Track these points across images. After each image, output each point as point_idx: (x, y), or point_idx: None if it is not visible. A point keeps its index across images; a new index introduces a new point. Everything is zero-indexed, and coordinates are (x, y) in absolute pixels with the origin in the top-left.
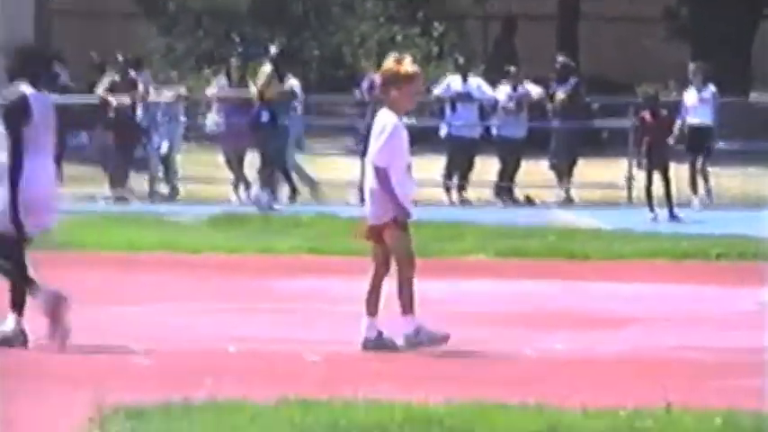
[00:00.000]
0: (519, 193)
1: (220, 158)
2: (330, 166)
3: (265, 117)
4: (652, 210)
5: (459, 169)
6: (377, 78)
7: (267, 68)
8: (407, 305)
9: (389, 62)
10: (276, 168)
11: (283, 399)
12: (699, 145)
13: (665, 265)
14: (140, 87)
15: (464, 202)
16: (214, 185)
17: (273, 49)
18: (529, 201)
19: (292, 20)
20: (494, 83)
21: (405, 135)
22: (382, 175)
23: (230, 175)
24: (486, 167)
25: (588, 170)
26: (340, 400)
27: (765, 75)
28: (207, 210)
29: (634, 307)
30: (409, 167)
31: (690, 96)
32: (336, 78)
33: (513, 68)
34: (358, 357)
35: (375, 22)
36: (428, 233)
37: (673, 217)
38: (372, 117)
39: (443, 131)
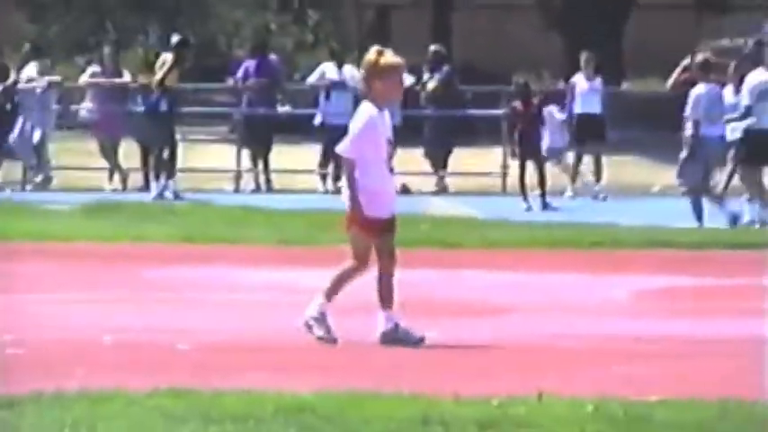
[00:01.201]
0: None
1: (94, 146)
2: (204, 154)
3: (164, 106)
4: (525, 199)
5: (334, 158)
6: (251, 66)
7: (168, 57)
8: (331, 294)
9: (371, 54)
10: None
11: (155, 388)
12: (588, 134)
13: (539, 254)
14: (12, 75)
15: (339, 190)
16: (88, 173)
17: (175, 38)
18: (404, 189)
19: (166, 7)
20: None
21: (384, 127)
22: (348, 166)
23: (105, 164)
24: None
25: (463, 159)
26: (211, 389)
27: (637, 65)
28: (81, 198)
29: (508, 295)
30: (390, 161)
31: (581, 85)
32: (210, 66)
33: None
34: (229, 347)
35: (249, 10)
36: (302, 222)
37: (546, 206)
38: (248, 104)
39: (318, 120)
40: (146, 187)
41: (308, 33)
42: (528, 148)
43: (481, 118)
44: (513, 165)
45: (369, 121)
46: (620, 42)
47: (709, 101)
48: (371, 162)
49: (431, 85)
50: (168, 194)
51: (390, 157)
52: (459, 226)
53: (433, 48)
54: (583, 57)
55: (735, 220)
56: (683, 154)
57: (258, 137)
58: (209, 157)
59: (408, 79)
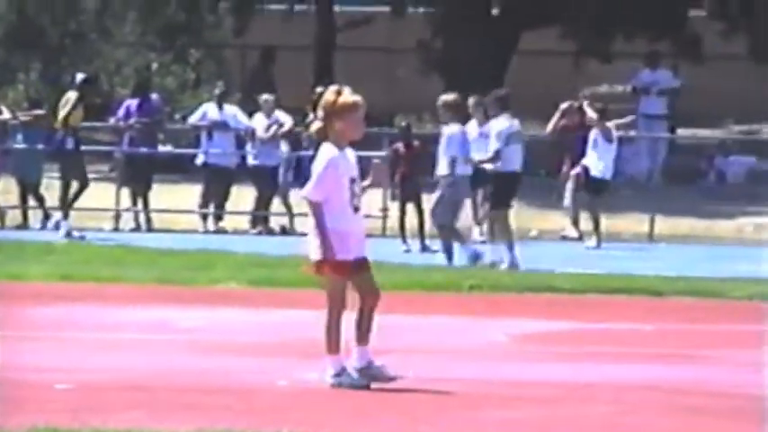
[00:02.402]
0: (274, 222)
1: None
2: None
3: (70, 144)
4: (405, 241)
5: (215, 198)
6: (133, 105)
7: (72, 95)
8: (333, 346)
9: (329, 94)
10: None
11: (33, 427)
12: (482, 179)
13: (417, 297)
14: None
15: (220, 230)
16: None
17: (80, 76)
18: (284, 231)
19: (49, 46)
20: (250, 112)
21: (347, 167)
22: (315, 210)
23: None
24: (243, 196)
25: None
26: (90, 428)
27: (517, 108)
28: None
29: (387, 337)
30: (358, 200)
31: (472, 131)
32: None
33: (268, 97)
34: (109, 386)
35: (131, 49)
36: (181, 262)
37: (425, 248)
38: (129, 143)
39: (200, 160)
40: (24, 225)
41: (191, 72)
42: (409, 190)
43: (363, 160)
44: (393, 207)
45: (330, 163)
46: (500, 84)
47: (463, 140)
48: (335, 204)
49: (313, 127)
50: (75, 233)
51: (355, 196)
52: None
53: (317, 89)
54: (470, 102)
55: (475, 258)
56: (438, 193)
57: (138, 175)
58: (88, 196)
59: (289, 122)
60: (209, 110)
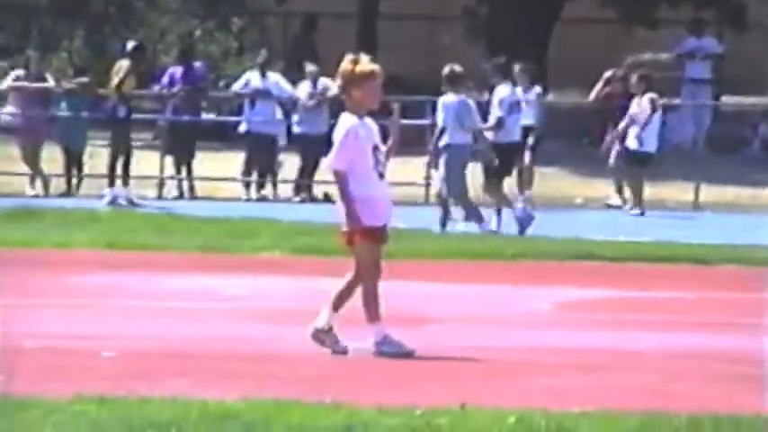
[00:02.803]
0: (317, 190)
1: (16, 151)
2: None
3: (122, 112)
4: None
5: (258, 166)
6: (177, 73)
7: (125, 63)
8: (374, 314)
9: (346, 63)
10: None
11: (78, 395)
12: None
13: (461, 265)
14: None
15: (263, 198)
16: (11, 179)
17: (131, 44)
18: (327, 198)
19: (93, 14)
20: (293, 81)
21: (369, 135)
22: (340, 179)
23: (27, 169)
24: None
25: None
26: (136, 396)
27: (561, 77)
28: (2, 203)
29: (431, 306)
30: (383, 167)
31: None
32: (143, 73)
33: (313, 68)
34: (154, 353)
35: (175, 17)
36: (225, 229)
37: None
38: (173, 111)
39: (242, 128)
40: (68, 192)
41: (233, 40)
42: None
43: (407, 128)
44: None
45: (350, 131)
46: (544, 54)
47: (460, 109)
48: (360, 171)
49: None
50: (122, 201)
51: (379, 163)
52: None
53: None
54: (516, 69)
55: (529, 220)
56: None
57: (182, 143)
58: (133, 163)
59: (335, 88)
60: (252, 78)
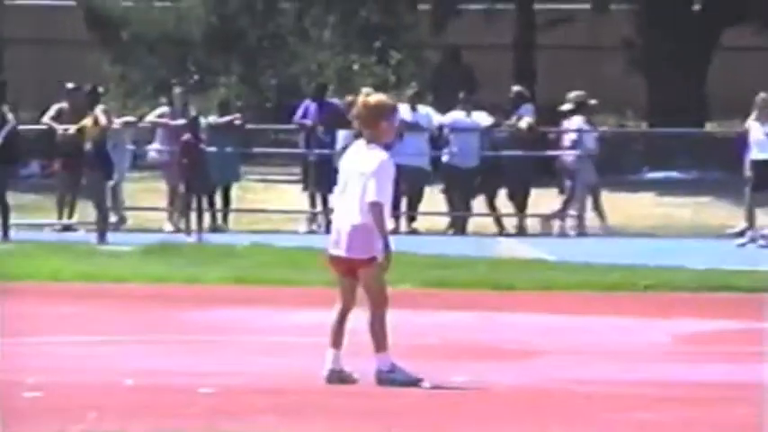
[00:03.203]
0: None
1: (164, 187)
2: (275, 195)
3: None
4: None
5: (408, 198)
6: (312, 107)
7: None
8: (381, 342)
9: (377, 96)
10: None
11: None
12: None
13: (594, 297)
14: (101, 117)
15: (413, 231)
16: (159, 214)
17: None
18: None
19: (248, 48)
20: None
21: (393, 171)
22: (378, 211)
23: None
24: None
25: (543, 200)
26: None
27: (721, 105)
28: (146, 238)
29: (548, 339)
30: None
31: (755, 131)
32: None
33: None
34: (250, 390)
35: (332, 51)
36: None
37: None
38: (308, 145)
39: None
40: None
41: (391, 74)
42: None
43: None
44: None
45: (390, 165)
46: (703, 83)
47: None
48: (386, 206)
49: (524, 123)
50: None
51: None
52: (515, 268)
53: (515, 88)
54: (757, 100)
55: None
56: None
57: (320, 177)
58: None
59: (488, 119)
60: (402, 111)
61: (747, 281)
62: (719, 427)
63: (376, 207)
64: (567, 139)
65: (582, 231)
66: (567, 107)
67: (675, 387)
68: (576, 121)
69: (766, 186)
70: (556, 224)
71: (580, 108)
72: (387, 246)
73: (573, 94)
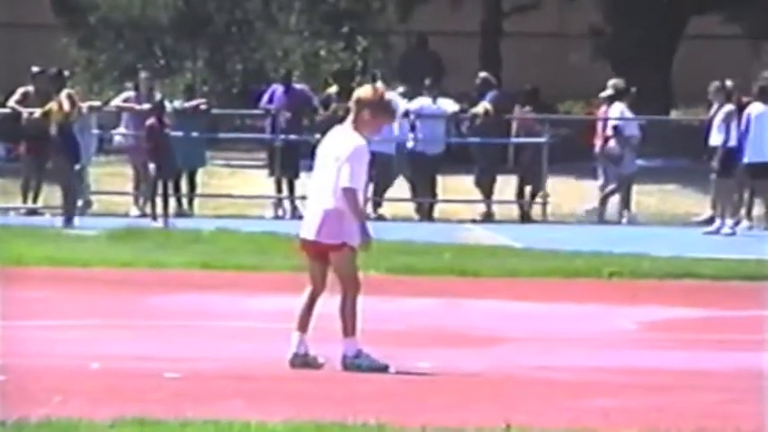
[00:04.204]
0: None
1: (130, 171)
2: (241, 180)
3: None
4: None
5: (375, 185)
6: (278, 91)
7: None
8: (350, 327)
9: (375, 88)
10: None
11: (120, 417)
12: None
13: (558, 284)
14: (64, 102)
15: (380, 218)
16: (126, 198)
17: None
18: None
19: (215, 33)
20: (411, 97)
21: (368, 158)
22: (354, 196)
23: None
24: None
25: (509, 186)
26: (181, 418)
27: (686, 93)
28: (112, 223)
29: (512, 325)
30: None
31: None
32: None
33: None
34: (215, 375)
35: (299, 37)
36: None
37: None
38: (273, 130)
39: None
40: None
41: (358, 59)
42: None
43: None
44: (554, 192)
45: (364, 152)
46: (669, 71)
47: None
48: (359, 192)
49: (480, 108)
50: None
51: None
52: (481, 254)
53: (481, 75)
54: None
55: None
56: None
57: (286, 163)
58: (247, 183)
59: (453, 106)
60: (395, 99)
61: (712, 269)
62: (684, 415)
63: (349, 192)
64: (609, 126)
65: (633, 219)
66: (606, 94)
67: (640, 374)
68: (618, 108)
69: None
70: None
71: (620, 95)
72: (365, 232)
73: (612, 81)
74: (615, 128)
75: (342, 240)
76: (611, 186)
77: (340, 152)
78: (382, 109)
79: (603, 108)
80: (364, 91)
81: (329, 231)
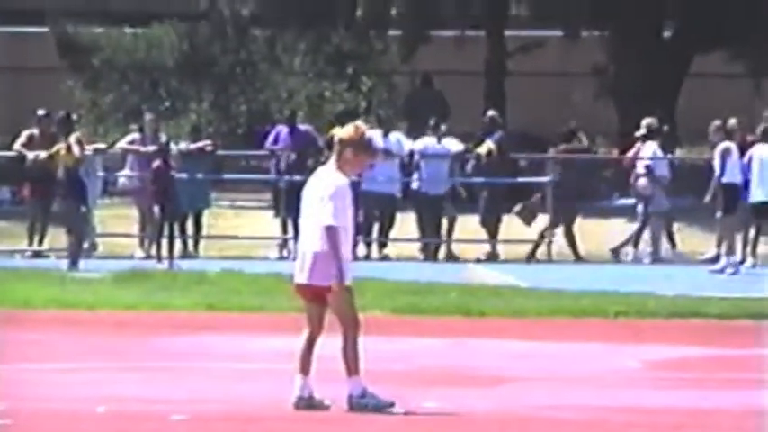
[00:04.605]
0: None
1: (135, 213)
2: (246, 221)
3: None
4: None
5: (381, 223)
6: (283, 132)
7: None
8: (353, 366)
9: (360, 128)
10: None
11: None
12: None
13: (564, 323)
14: (74, 147)
15: (384, 258)
16: (131, 241)
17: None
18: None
19: (220, 75)
20: (416, 136)
21: (350, 196)
22: (333, 235)
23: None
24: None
25: (514, 226)
26: None
27: (690, 132)
28: (118, 265)
29: (518, 365)
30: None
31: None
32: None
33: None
34: (222, 417)
35: (304, 78)
36: None
37: None
38: (278, 171)
39: (363, 187)
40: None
41: (362, 100)
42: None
43: (532, 185)
44: (558, 232)
45: (346, 191)
46: (673, 110)
47: None
48: (342, 231)
49: (484, 149)
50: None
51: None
52: (489, 294)
53: (489, 113)
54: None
55: None
56: None
57: (292, 204)
58: (253, 224)
59: (458, 146)
60: (374, 137)
61: (718, 308)
62: None
63: (330, 231)
64: (640, 165)
65: (657, 257)
66: (640, 133)
67: (646, 413)
68: (651, 148)
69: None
70: (624, 252)
71: (653, 134)
72: (340, 274)
73: (646, 121)
74: (647, 167)
75: (334, 280)
76: (638, 225)
77: (323, 192)
78: (363, 147)
79: (637, 147)
80: (345, 131)
81: (321, 273)
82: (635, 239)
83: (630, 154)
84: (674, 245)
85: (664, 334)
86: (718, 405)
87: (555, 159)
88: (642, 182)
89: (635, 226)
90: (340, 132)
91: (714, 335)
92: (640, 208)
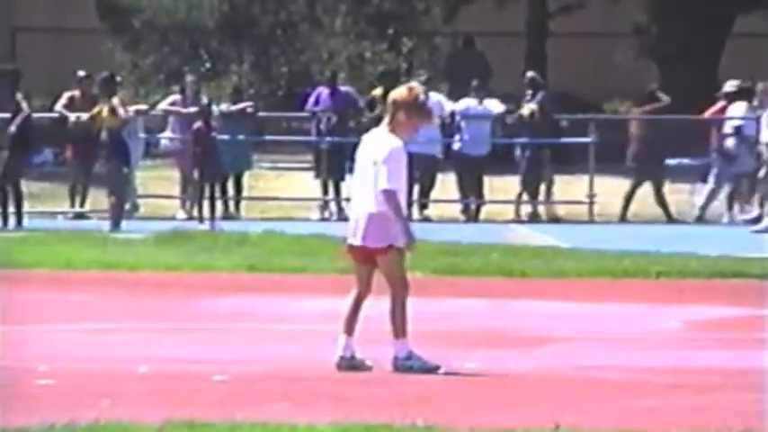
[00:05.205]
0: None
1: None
2: (287, 183)
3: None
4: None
5: (420, 186)
6: (324, 94)
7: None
8: (400, 329)
9: (415, 89)
10: None
11: (168, 420)
12: None
13: (605, 284)
14: (119, 109)
15: (425, 219)
16: (173, 202)
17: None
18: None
19: (260, 36)
20: (457, 97)
21: (405, 159)
22: (393, 198)
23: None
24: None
25: (556, 187)
26: (229, 421)
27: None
28: (159, 226)
29: (559, 325)
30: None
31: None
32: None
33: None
34: (264, 377)
35: (344, 39)
36: None
37: None
38: (319, 132)
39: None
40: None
41: (402, 61)
42: None
43: (575, 146)
44: (601, 192)
45: (402, 153)
46: (715, 70)
47: None
48: (400, 194)
49: (526, 110)
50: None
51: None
52: (530, 255)
53: (529, 74)
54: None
55: None
56: None
57: (332, 165)
58: (293, 186)
59: (499, 107)
60: (435, 99)
61: (759, 268)
62: (733, 414)
63: (388, 194)
64: (729, 125)
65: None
66: (728, 90)
67: (687, 374)
68: (741, 107)
69: None
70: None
71: (743, 93)
72: (408, 233)
73: (734, 82)
74: (736, 127)
75: (388, 243)
76: (723, 186)
77: (377, 155)
78: (417, 110)
79: (719, 106)
80: (399, 92)
81: (374, 235)
82: (726, 201)
83: (716, 113)
84: (731, 206)
85: (705, 294)
86: (759, 365)
87: (598, 121)
88: (731, 141)
89: (686, 187)
90: (393, 93)
91: (756, 295)
92: (715, 169)
